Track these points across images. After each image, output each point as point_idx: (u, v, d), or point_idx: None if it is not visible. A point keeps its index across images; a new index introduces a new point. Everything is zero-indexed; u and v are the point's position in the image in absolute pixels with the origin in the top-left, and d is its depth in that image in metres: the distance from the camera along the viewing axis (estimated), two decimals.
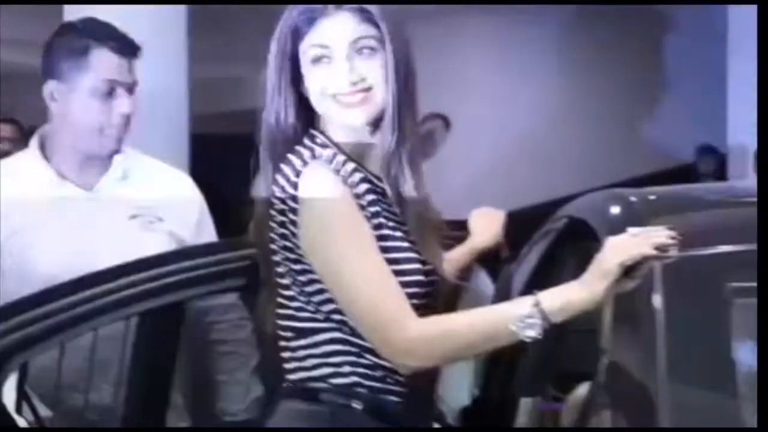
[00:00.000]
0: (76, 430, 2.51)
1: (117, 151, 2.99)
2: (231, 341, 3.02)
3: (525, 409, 2.99)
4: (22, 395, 2.59)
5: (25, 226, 2.89)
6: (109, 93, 2.92)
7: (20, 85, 7.92)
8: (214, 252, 2.68)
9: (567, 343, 3.08)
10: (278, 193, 2.10)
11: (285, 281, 2.15)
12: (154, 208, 2.98)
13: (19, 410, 2.58)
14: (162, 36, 5.76)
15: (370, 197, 2.13)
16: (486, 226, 2.81)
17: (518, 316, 2.03)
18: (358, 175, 2.13)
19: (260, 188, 2.16)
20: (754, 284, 2.03)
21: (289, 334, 2.17)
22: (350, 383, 2.13)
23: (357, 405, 2.12)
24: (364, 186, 2.14)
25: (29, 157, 3.00)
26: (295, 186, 2.09)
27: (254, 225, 2.19)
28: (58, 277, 2.61)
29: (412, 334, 2.05)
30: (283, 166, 2.12)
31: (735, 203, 2.44)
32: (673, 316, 2.00)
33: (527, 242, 3.37)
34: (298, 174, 2.10)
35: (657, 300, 2.04)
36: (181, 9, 6.40)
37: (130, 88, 2.95)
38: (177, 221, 2.99)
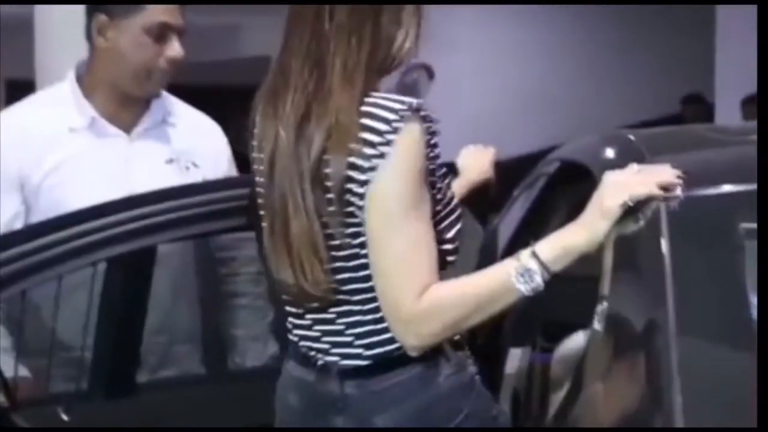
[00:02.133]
0: (77, 429, 2.42)
1: (157, 95, 2.92)
2: (249, 294, 2.98)
3: (513, 360, 2.89)
4: None
5: (63, 163, 2.82)
6: (161, 35, 2.82)
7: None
8: (230, 187, 2.59)
9: (557, 291, 2.96)
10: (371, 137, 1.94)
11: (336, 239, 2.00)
12: (191, 153, 2.93)
13: None
14: None
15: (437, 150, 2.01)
16: (475, 162, 2.72)
17: (519, 271, 1.92)
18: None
19: None
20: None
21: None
22: None
23: None
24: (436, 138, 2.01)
25: (67, 92, 2.90)
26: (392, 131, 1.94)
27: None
28: None
29: (422, 305, 1.93)
30: (376, 110, 1.96)
31: (742, 141, 2.27)
32: (681, 261, 1.83)
33: (516, 188, 3.25)
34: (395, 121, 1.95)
35: (664, 244, 1.86)
36: None
37: (180, 33, 2.86)
38: (211, 168, 2.94)
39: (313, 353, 2.07)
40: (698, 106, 8.68)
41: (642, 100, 9.56)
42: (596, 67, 10.10)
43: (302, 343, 2.10)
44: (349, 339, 2.03)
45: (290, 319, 2.11)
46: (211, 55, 9.77)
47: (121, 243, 2.45)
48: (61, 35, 5.26)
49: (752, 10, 3.20)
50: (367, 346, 2.01)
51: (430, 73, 7.45)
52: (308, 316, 2.07)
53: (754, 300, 1.74)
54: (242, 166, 2.61)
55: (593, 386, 2.00)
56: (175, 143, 2.93)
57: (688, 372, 1.66)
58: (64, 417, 2.56)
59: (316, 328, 2.07)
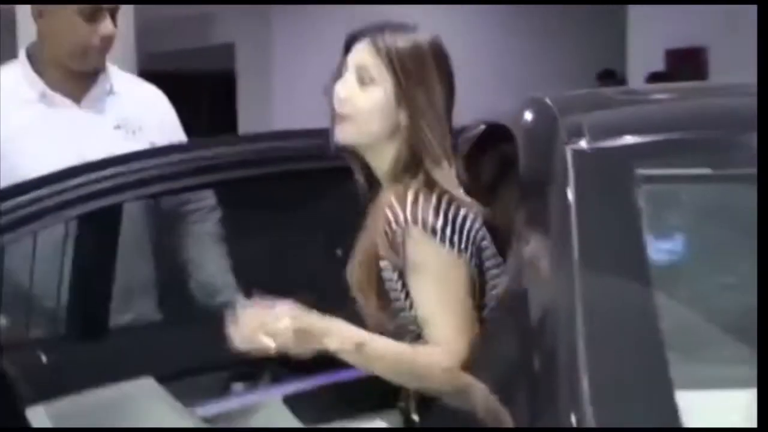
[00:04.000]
0: (76, 430, 2.44)
1: (102, 68, 2.97)
2: (212, 234, 3.05)
3: None
4: None
5: (17, 132, 2.86)
6: (93, 16, 2.86)
7: None
8: (183, 150, 2.66)
9: None
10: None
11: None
12: (137, 120, 2.98)
13: None
14: None
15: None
16: None
17: None
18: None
19: None
20: (661, 171, 1.93)
21: None
22: None
23: None
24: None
25: (20, 68, 2.96)
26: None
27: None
28: None
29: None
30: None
31: (642, 101, 2.32)
32: (585, 205, 1.85)
33: None
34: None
35: (570, 192, 1.88)
36: None
37: (113, 11, 2.91)
38: (156, 133, 2.98)
39: None
40: (612, 81, 8.80)
41: (563, 77, 9.63)
42: (524, 48, 10.15)
43: None
44: None
45: None
46: (182, 44, 9.73)
47: (90, 201, 2.47)
48: None
49: None
50: None
51: None
52: None
53: (647, 237, 1.77)
54: None
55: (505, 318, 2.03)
56: (122, 111, 2.97)
57: (590, 303, 1.65)
58: (43, 356, 2.59)
59: None
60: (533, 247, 1.95)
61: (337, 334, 2.14)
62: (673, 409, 1.41)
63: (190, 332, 2.80)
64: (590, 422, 1.41)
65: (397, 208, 2.12)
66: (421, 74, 2.24)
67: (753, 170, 1.92)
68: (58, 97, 2.93)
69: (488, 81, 9.79)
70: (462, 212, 2.14)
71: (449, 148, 2.25)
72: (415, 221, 2.10)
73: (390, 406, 2.96)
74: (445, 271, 2.09)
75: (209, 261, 3.01)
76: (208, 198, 3.03)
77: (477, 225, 2.14)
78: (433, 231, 2.09)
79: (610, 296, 1.68)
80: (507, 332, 1.91)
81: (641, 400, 1.46)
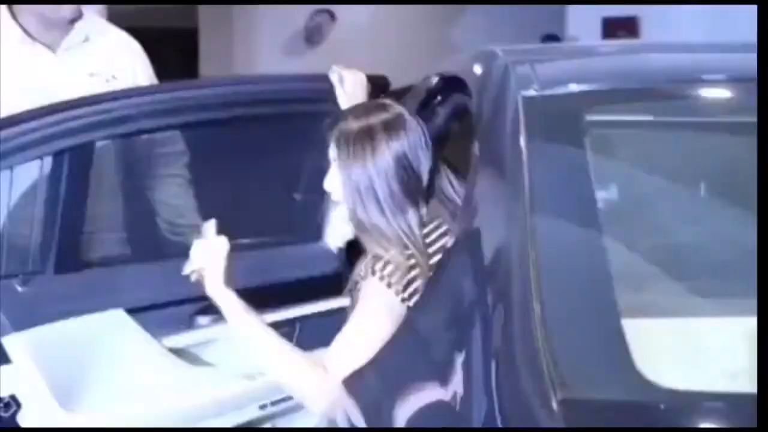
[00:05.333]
0: (78, 430, 2.40)
1: (78, 17, 2.90)
2: (180, 176, 3.00)
3: None
4: None
5: None
6: None
7: None
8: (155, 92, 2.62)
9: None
10: None
11: None
12: (111, 68, 2.91)
13: None
14: None
15: None
16: (348, 75, 2.72)
17: None
18: None
19: None
20: (608, 117, 1.92)
21: None
22: None
23: None
24: None
25: None
26: None
27: None
28: None
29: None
30: None
31: (586, 53, 2.31)
32: (537, 149, 1.81)
33: None
34: None
35: (522, 140, 1.84)
36: None
37: None
38: (131, 79, 2.93)
39: None
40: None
41: (510, 40, 9.60)
42: (474, 17, 10.10)
43: None
44: None
45: None
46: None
47: (65, 138, 2.42)
48: None
49: None
50: None
51: (332, 17, 7.45)
52: None
53: (591, 174, 1.73)
54: None
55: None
56: (98, 59, 2.91)
57: (541, 240, 1.62)
58: (19, 288, 2.55)
59: None
60: (487, 188, 1.92)
61: (224, 302, 2.26)
62: (620, 336, 1.40)
63: (159, 268, 2.77)
64: (543, 351, 1.39)
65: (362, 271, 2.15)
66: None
67: (691, 118, 1.93)
68: (35, 45, 2.86)
69: (437, 49, 9.75)
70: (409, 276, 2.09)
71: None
72: (373, 274, 2.09)
73: None
74: (380, 308, 2.07)
75: (177, 201, 2.98)
76: (179, 143, 2.99)
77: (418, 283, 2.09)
78: (382, 279, 2.08)
79: (560, 234, 1.66)
80: (461, 271, 1.88)
81: (591, 327, 1.45)
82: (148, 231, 2.99)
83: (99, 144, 2.60)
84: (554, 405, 1.30)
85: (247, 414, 2.72)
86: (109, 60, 2.94)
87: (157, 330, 2.62)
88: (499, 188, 1.86)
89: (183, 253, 2.85)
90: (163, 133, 2.90)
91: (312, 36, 7.29)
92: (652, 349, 1.42)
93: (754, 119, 1.86)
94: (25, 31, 2.86)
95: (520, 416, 1.36)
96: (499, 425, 1.39)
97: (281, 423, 2.83)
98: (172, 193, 2.99)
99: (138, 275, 2.75)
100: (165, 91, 2.67)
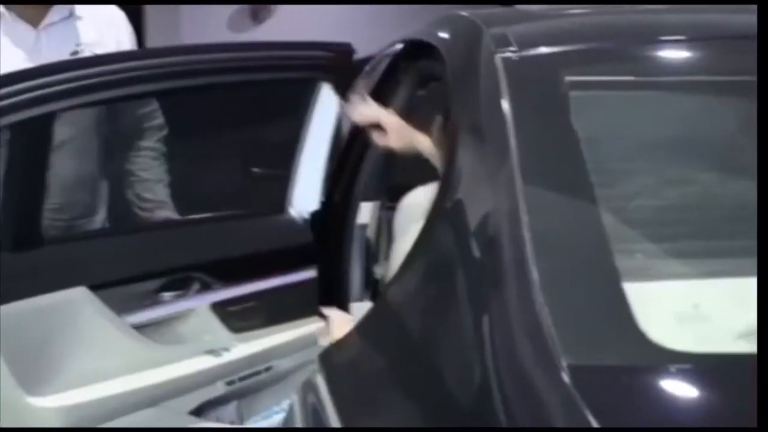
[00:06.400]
0: (77, 430, 2.30)
1: None
2: (153, 149, 2.95)
3: (365, 212, 2.84)
4: None
5: None
6: None
7: None
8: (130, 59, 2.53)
9: (399, 160, 2.91)
10: None
11: None
12: (94, 44, 2.86)
13: None
14: None
15: None
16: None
17: None
18: None
19: None
20: (588, 78, 1.85)
21: None
22: None
23: None
24: None
25: None
26: None
27: None
28: None
29: None
30: None
31: (563, 16, 2.23)
32: (520, 111, 1.71)
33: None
34: None
35: (504, 102, 1.74)
36: None
37: None
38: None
39: None
40: None
41: None
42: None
43: None
44: None
45: None
46: None
47: (27, 108, 2.32)
48: None
49: None
50: None
51: None
52: None
53: (578, 135, 1.65)
54: None
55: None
56: (80, 36, 2.85)
57: (533, 207, 1.50)
58: None
59: None
60: (468, 154, 1.83)
61: None
62: (622, 299, 1.34)
63: (123, 242, 2.67)
64: (544, 316, 1.32)
65: None
66: None
67: (671, 78, 1.87)
68: (17, 22, 2.80)
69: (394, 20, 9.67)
70: None
71: None
72: None
73: (313, 313, 2.88)
74: None
75: (148, 176, 2.91)
76: (158, 116, 2.91)
77: None
78: None
79: (551, 197, 1.57)
80: (444, 241, 1.79)
81: (592, 291, 1.38)
82: (113, 204, 2.90)
83: (65, 115, 2.52)
84: (562, 372, 1.23)
85: (214, 390, 2.65)
86: (93, 36, 2.88)
87: (121, 307, 2.53)
88: (483, 153, 1.76)
89: (148, 228, 2.77)
90: (142, 107, 2.85)
91: (259, 12, 7.18)
92: (654, 312, 1.35)
93: (737, 77, 1.82)
94: (7, 8, 2.79)
95: (523, 385, 1.29)
96: (497, 396, 1.32)
97: (249, 399, 2.76)
98: (144, 166, 2.91)
99: (103, 250, 2.65)
100: (120, 61, 2.56)
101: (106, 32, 2.92)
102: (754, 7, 1.82)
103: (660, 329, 1.31)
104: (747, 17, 1.84)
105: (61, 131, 2.61)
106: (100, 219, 2.89)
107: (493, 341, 1.39)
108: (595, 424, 1.16)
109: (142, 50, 2.90)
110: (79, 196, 2.80)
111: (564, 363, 1.25)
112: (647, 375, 1.26)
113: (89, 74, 2.38)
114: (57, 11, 2.85)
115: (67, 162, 2.68)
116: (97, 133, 2.86)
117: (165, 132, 2.94)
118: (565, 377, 1.23)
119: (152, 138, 2.93)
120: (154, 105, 2.92)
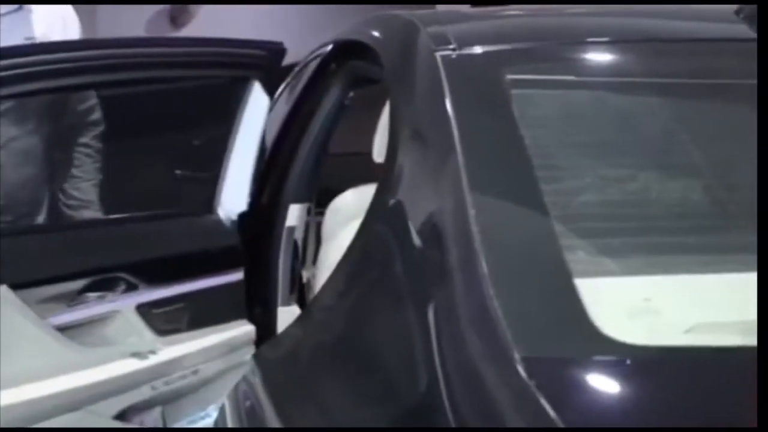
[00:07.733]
0: (76, 430, 2.20)
1: None
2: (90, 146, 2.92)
3: (294, 215, 2.80)
4: None
5: None
6: None
7: None
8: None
9: (328, 164, 2.88)
10: None
11: None
12: (43, 35, 2.87)
13: None
14: None
15: None
16: None
17: None
18: None
19: None
20: (528, 77, 1.84)
21: None
22: None
23: None
24: None
25: None
26: None
27: None
28: None
29: None
30: None
31: (497, 16, 2.22)
32: (463, 110, 1.69)
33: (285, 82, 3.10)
34: None
35: (447, 102, 1.71)
36: None
37: None
38: None
39: None
40: None
41: None
42: None
43: None
44: None
45: None
46: None
47: None
48: None
49: None
50: None
51: None
52: None
53: (521, 132, 1.64)
54: None
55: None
56: (31, 27, 2.86)
57: (480, 204, 1.48)
58: None
59: None
60: (410, 153, 1.78)
61: None
62: (573, 293, 1.32)
63: (48, 241, 2.58)
64: (493, 310, 1.30)
65: None
66: None
67: (612, 78, 1.87)
68: None
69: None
70: None
71: None
72: None
73: (239, 316, 2.82)
74: None
75: (78, 173, 2.84)
76: (95, 112, 2.85)
77: None
78: None
79: (498, 194, 1.55)
80: (384, 238, 1.75)
81: (542, 285, 1.36)
82: (40, 200, 2.81)
83: (6, 115, 2.44)
84: (516, 364, 1.21)
85: (139, 394, 2.58)
86: (44, 28, 2.88)
87: (43, 307, 2.44)
88: (426, 150, 1.73)
89: (72, 226, 2.68)
90: (82, 103, 2.78)
91: (178, 16, 7.07)
92: (604, 306, 1.34)
93: (676, 79, 1.83)
94: None
95: (473, 377, 1.26)
96: (444, 392, 1.29)
97: (173, 404, 2.69)
98: (77, 163, 2.84)
99: (25, 248, 2.56)
100: (41, 53, 2.48)
101: (54, 26, 2.91)
102: (700, 8, 1.84)
103: (611, 323, 1.29)
104: (692, 20, 1.86)
105: (2, 132, 2.54)
106: (43, 219, 2.81)
107: (440, 335, 1.36)
108: (552, 414, 1.14)
109: (66, 42, 2.80)
110: (21, 196, 2.72)
111: (517, 355, 1.22)
112: (601, 367, 1.24)
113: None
114: (5, 5, 2.83)
115: (10, 162, 2.60)
116: (38, 133, 2.78)
117: (101, 128, 2.86)
118: (520, 369, 1.20)
119: (88, 134, 2.87)
120: (93, 100, 2.85)
